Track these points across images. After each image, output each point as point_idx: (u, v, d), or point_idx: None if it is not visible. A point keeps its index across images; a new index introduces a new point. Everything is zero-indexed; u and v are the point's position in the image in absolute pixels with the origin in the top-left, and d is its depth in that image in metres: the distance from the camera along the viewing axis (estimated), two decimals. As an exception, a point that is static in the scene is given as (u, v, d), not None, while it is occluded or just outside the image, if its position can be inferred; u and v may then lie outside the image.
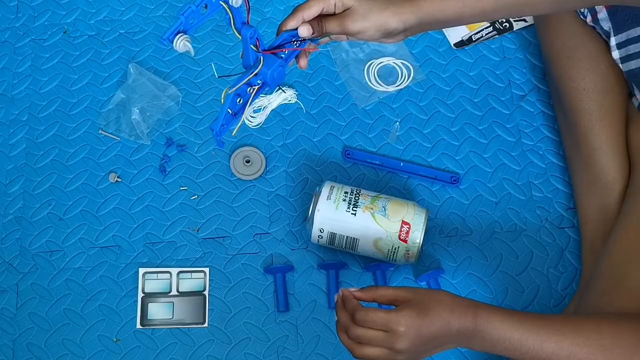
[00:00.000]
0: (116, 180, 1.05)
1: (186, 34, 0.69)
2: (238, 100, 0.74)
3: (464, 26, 1.16)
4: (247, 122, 1.09)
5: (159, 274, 0.99)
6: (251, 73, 0.71)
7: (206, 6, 0.69)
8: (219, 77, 0.77)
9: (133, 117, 1.06)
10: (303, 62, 0.76)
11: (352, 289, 0.72)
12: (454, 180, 1.03)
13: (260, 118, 1.09)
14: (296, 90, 1.10)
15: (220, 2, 0.69)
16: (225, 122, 0.74)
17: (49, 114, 1.10)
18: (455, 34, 1.15)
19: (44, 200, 1.04)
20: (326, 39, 0.76)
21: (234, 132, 0.75)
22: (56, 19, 1.18)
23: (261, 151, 1.06)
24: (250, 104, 0.75)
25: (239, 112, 0.75)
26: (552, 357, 0.66)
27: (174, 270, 0.99)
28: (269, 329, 0.96)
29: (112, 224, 1.02)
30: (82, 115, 1.10)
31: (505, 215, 1.02)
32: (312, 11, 0.71)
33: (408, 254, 0.92)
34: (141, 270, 0.99)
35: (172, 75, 1.13)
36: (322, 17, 0.73)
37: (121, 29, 1.17)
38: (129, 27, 1.17)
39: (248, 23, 0.73)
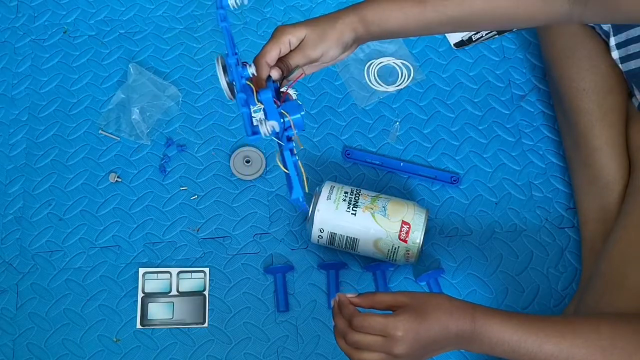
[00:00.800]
0: (116, 180, 1.05)
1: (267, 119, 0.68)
2: (295, 156, 0.72)
3: (464, 26, 1.16)
4: (247, 122, 1.09)
5: (159, 274, 0.99)
6: (285, 128, 0.71)
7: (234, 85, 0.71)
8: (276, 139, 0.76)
9: (133, 117, 1.06)
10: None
11: (349, 295, 0.72)
12: (454, 180, 1.03)
13: (259, 115, 1.08)
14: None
15: (246, 81, 0.71)
16: (301, 184, 0.71)
17: (49, 114, 1.10)
18: (455, 34, 1.15)
19: (44, 200, 1.04)
20: (299, 72, 0.76)
21: (307, 189, 0.74)
22: (56, 19, 1.18)
23: (261, 151, 1.06)
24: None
25: (296, 168, 0.73)
26: (551, 359, 0.65)
27: (174, 270, 0.99)
28: (269, 329, 0.96)
29: (112, 224, 1.02)
30: (82, 115, 1.10)
31: (505, 215, 1.02)
32: (271, 55, 0.73)
33: (408, 254, 0.92)
34: (141, 270, 0.99)
35: (172, 75, 1.13)
36: (284, 57, 0.74)
37: (121, 29, 1.17)
38: (129, 27, 1.17)
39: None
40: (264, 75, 0.73)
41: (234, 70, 0.70)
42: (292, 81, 0.76)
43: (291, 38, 0.73)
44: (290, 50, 0.74)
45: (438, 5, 0.73)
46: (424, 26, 0.75)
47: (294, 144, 0.72)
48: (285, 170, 0.70)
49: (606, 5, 0.69)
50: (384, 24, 0.74)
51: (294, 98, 0.74)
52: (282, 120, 0.69)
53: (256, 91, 0.70)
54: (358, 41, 0.77)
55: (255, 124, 0.69)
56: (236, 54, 0.72)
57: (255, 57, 0.73)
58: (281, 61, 0.74)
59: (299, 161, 0.72)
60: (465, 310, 0.67)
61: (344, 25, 0.74)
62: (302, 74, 0.76)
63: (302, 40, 0.74)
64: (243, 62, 0.72)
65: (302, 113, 0.70)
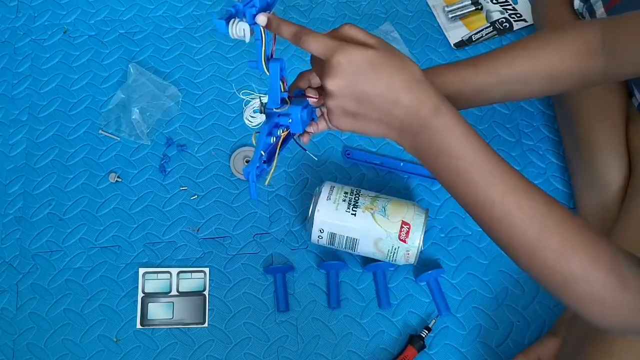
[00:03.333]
0: (116, 180, 1.05)
1: (241, 19, 0.62)
2: (272, 140, 0.68)
3: (463, 26, 1.16)
4: (247, 122, 1.09)
5: (159, 274, 0.99)
6: (278, 114, 0.66)
7: (244, 16, 0.64)
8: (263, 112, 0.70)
9: (133, 117, 1.06)
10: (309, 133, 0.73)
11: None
12: (454, 180, 1.03)
13: (261, 118, 1.09)
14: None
15: (257, 22, 0.63)
16: (259, 166, 0.66)
17: (49, 114, 1.10)
18: (455, 34, 1.15)
19: (44, 200, 1.04)
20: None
21: (267, 181, 0.70)
22: (56, 19, 1.18)
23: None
24: (281, 150, 0.69)
25: (270, 159, 0.68)
26: (488, 204, 0.58)
27: (174, 270, 0.99)
28: (269, 329, 0.96)
29: (112, 224, 1.02)
30: (82, 115, 1.10)
31: (505, 215, 1.02)
32: (316, 78, 0.70)
33: (408, 254, 0.92)
34: (141, 270, 0.99)
35: (172, 75, 1.13)
36: None
37: (121, 29, 1.17)
38: (129, 27, 1.17)
39: (272, 55, 0.66)
40: (302, 85, 0.70)
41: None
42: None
43: None
44: None
45: (490, 67, 0.73)
46: (479, 89, 0.74)
47: (280, 133, 0.68)
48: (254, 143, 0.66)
49: (636, 49, 0.69)
50: (440, 89, 0.71)
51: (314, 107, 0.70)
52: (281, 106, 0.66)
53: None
54: None
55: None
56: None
57: (301, 72, 0.71)
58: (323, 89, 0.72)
59: (277, 152, 0.68)
60: (430, 97, 0.58)
61: None
62: None
63: None
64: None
65: (301, 114, 0.66)
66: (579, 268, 0.56)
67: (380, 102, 0.58)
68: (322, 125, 0.71)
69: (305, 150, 0.73)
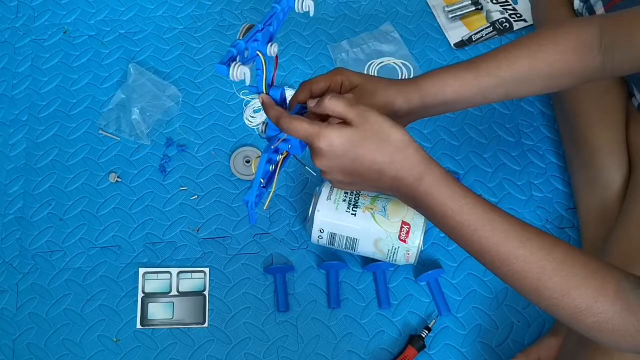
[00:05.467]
0: (116, 180, 1.05)
1: (242, 63, 0.63)
2: (270, 168, 0.69)
3: (463, 26, 1.16)
4: (247, 122, 1.09)
5: (159, 274, 0.99)
6: (278, 139, 0.67)
7: (246, 50, 0.64)
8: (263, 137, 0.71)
9: (133, 117, 1.06)
10: None
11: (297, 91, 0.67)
12: (454, 180, 1.03)
13: (261, 118, 1.09)
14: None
15: (257, 51, 0.65)
16: (259, 192, 0.67)
17: (49, 114, 1.10)
18: (455, 34, 1.15)
19: (44, 200, 1.04)
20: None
21: (266, 206, 0.71)
22: (56, 19, 1.18)
23: (261, 151, 1.06)
24: (279, 173, 0.70)
25: (268, 182, 0.69)
26: (487, 255, 0.61)
27: (174, 270, 0.99)
28: (269, 329, 0.96)
29: (112, 224, 1.02)
30: (82, 115, 1.10)
31: (505, 215, 1.02)
32: (319, 86, 0.71)
33: (408, 254, 0.92)
34: (141, 270, 0.99)
35: (172, 75, 1.13)
36: None
37: (121, 29, 1.17)
38: (129, 27, 1.17)
39: (273, 83, 0.68)
40: (303, 99, 0.70)
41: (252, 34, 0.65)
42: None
43: (345, 80, 0.71)
44: (339, 92, 0.72)
45: (491, 69, 0.74)
46: (479, 91, 0.74)
47: (279, 157, 0.69)
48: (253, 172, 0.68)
49: (632, 44, 0.69)
50: (441, 93, 0.73)
51: None
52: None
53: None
54: (410, 114, 0.74)
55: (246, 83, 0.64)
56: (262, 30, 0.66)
57: (304, 81, 0.71)
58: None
59: (276, 176, 0.70)
60: (412, 165, 0.61)
61: (398, 92, 0.72)
62: None
63: (354, 88, 0.72)
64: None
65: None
66: (583, 302, 0.59)
67: (367, 174, 0.62)
68: None
69: (305, 165, 0.73)
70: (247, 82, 0.63)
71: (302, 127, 0.62)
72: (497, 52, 0.75)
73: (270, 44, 0.65)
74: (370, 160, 0.61)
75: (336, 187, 0.66)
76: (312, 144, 0.62)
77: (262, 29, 0.65)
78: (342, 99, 0.62)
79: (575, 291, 0.59)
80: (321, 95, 0.70)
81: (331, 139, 0.60)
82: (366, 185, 0.65)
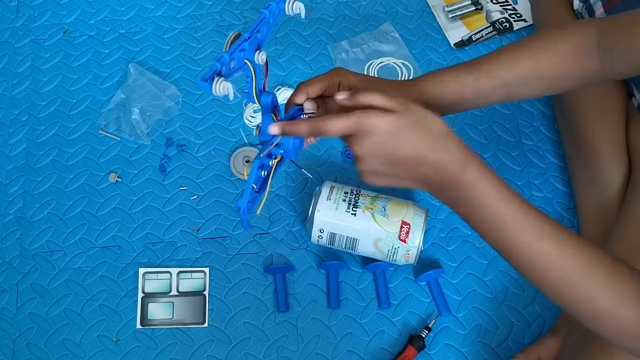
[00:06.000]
0: (116, 180, 1.05)
1: (225, 79, 0.63)
2: (263, 174, 0.68)
3: (463, 26, 1.16)
4: (247, 122, 1.09)
5: (159, 274, 0.99)
6: (271, 144, 0.66)
7: (233, 61, 0.64)
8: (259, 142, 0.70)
9: (133, 117, 1.06)
10: (312, 139, 0.72)
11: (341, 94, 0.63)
12: (454, 180, 1.03)
13: (260, 118, 1.09)
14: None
15: (245, 60, 0.65)
16: (251, 199, 0.66)
17: (49, 114, 1.10)
18: (455, 34, 1.15)
19: (44, 200, 1.04)
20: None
21: (259, 211, 0.70)
22: (56, 19, 1.18)
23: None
24: (273, 177, 0.69)
25: (262, 187, 0.68)
26: (518, 249, 0.61)
27: (174, 270, 0.99)
28: (269, 329, 0.96)
29: (112, 224, 1.02)
30: (82, 115, 1.10)
31: (505, 215, 1.02)
32: (315, 88, 0.70)
33: (408, 254, 0.92)
34: (141, 270, 0.99)
35: (172, 75, 1.13)
36: (327, 98, 0.72)
37: (121, 29, 1.17)
38: (129, 27, 1.17)
39: (265, 89, 0.68)
40: (299, 101, 0.70)
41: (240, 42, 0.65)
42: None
43: (343, 81, 0.71)
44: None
45: (492, 71, 0.73)
46: (479, 93, 0.74)
47: (272, 162, 0.69)
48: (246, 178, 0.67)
49: (631, 47, 0.69)
50: (441, 95, 0.73)
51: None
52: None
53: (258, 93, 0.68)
54: None
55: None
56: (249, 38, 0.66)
57: (300, 83, 0.71)
58: (323, 99, 0.71)
59: (270, 181, 0.69)
60: (454, 153, 0.60)
61: (397, 94, 0.69)
62: None
63: (352, 89, 0.71)
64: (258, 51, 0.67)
65: (293, 142, 0.65)
66: (606, 306, 0.60)
67: (408, 163, 0.60)
68: (311, 139, 0.71)
69: (301, 168, 0.73)
70: (231, 97, 0.63)
71: (341, 123, 0.59)
72: (497, 54, 0.75)
73: (258, 52, 0.65)
74: (412, 147, 0.59)
75: (369, 182, 0.63)
76: (356, 130, 0.59)
77: (248, 38, 0.65)
78: (377, 92, 0.61)
79: (600, 294, 0.60)
80: (318, 97, 0.70)
81: (375, 122, 0.59)
82: (403, 177, 0.62)
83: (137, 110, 1.06)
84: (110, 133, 1.08)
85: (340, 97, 0.63)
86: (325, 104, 0.72)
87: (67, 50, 1.15)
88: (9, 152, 1.07)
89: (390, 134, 0.59)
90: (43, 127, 1.09)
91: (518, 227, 0.61)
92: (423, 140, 0.60)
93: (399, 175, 0.62)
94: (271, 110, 0.68)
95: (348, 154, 1.05)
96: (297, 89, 0.70)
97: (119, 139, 1.08)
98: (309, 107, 0.69)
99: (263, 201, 0.69)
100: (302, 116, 0.70)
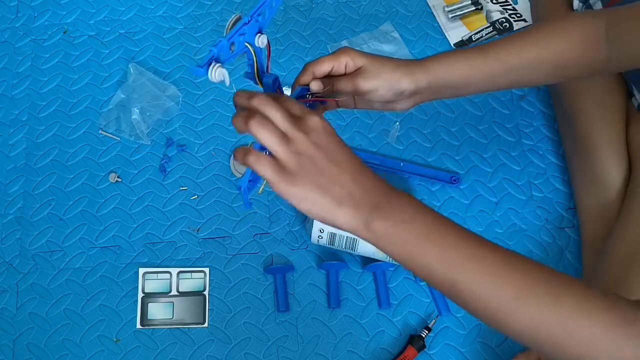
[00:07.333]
0: (116, 180, 1.05)
1: (221, 64, 0.63)
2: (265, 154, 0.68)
3: (463, 26, 1.16)
4: (247, 122, 1.09)
5: (159, 274, 0.99)
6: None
7: (233, 45, 0.64)
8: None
9: (133, 117, 1.06)
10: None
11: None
12: (454, 180, 1.03)
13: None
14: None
15: (245, 43, 0.64)
16: (252, 178, 0.66)
17: (49, 114, 1.10)
18: (455, 34, 1.15)
19: (44, 200, 1.04)
20: (334, 104, 0.74)
21: (260, 190, 0.69)
22: (56, 19, 1.18)
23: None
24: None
25: None
26: (453, 288, 0.58)
27: (174, 270, 0.99)
28: (269, 329, 0.96)
29: (112, 224, 1.02)
30: (82, 115, 1.10)
31: (505, 215, 1.02)
32: (322, 68, 0.70)
33: (408, 254, 0.92)
34: (141, 270, 0.99)
35: (172, 75, 1.13)
36: (334, 77, 0.72)
37: (121, 29, 1.17)
38: (129, 27, 1.17)
39: (268, 70, 0.68)
40: (305, 81, 0.70)
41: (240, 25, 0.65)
42: (324, 103, 0.73)
43: (349, 61, 0.71)
44: (344, 74, 0.72)
45: (500, 54, 0.74)
46: (487, 77, 0.74)
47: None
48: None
49: (638, 38, 0.70)
50: (448, 75, 0.73)
51: None
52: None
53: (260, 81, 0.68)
54: (416, 94, 0.74)
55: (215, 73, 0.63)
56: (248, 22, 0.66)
57: (307, 63, 0.71)
58: (329, 79, 0.72)
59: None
60: (384, 188, 0.61)
61: (404, 74, 0.72)
62: (335, 102, 0.73)
63: (359, 68, 0.71)
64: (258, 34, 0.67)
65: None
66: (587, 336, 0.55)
67: (349, 162, 0.62)
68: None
69: None
70: (227, 83, 0.62)
71: (272, 128, 0.58)
72: (506, 40, 0.75)
73: (258, 35, 0.65)
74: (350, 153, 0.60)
75: (294, 188, 0.61)
76: (298, 125, 0.57)
77: (248, 22, 0.64)
78: (282, 111, 0.58)
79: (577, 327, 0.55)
80: (325, 77, 0.71)
81: (318, 119, 0.58)
82: (339, 181, 0.61)
83: (137, 110, 1.06)
84: (110, 133, 1.08)
85: (314, 85, 0.66)
86: (332, 83, 0.72)
87: (67, 50, 1.15)
88: (9, 152, 1.07)
89: (333, 132, 0.60)
90: (43, 127, 1.09)
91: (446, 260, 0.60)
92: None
93: (329, 193, 0.63)
94: (274, 92, 0.68)
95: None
96: (304, 69, 0.70)
97: (119, 139, 1.08)
98: (315, 87, 0.70)
99: (264, 182, 0.68)
100: (307, 96, 0.70)
